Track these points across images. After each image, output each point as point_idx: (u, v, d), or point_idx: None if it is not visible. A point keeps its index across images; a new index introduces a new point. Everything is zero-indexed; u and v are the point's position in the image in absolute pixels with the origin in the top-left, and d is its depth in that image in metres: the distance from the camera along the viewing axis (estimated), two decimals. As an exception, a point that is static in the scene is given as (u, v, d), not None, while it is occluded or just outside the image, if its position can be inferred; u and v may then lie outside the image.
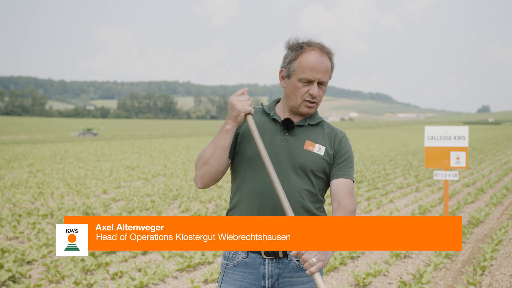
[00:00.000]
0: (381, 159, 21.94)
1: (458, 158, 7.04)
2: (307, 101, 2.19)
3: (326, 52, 2.20)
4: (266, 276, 2.19)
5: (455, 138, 7.06)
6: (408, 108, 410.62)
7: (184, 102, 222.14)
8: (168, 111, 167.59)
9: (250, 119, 2.12)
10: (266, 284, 2.19)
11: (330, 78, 2.25)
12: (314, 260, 1.94)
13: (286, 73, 2.23)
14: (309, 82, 2.17)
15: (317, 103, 2.22)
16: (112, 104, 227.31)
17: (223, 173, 2.22)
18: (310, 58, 2.16)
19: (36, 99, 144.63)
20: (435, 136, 7.14)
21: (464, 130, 7.08)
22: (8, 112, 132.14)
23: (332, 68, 2.24)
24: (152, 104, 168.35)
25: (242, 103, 2.09)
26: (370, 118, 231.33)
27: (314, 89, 2.17)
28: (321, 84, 2.19)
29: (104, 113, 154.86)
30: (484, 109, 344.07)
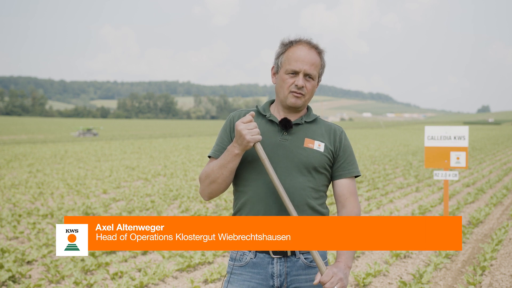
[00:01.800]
0: (381, 159, 21.94)
1: (458, 158, 7.04)
2: (293, 92, 2.20)
3: (314, 47, 2.22)
4: (274, 275, 2.21)
5: (455, 138, 7.06)
6: (408, 108, 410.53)
7: (184, 102, 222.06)
8: (168, 111, 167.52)
9: (259, 147, 2.13)
10: (275, 283, 2.21)
11: (320, 74, 2.26)
12: None
13: (276, 69, 2.27)
14: (295, 73, 2.19)
15: (304, 95, 2.22)
16: (112, 104, 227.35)
17: (228, 186, 2.26)
18: (297, 51, 2.20)
19: (36, 99, 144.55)
20: (435, 136, 7.14)
21: (464, 130, 7.08)
22: (8, 112, 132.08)
23: (322, 65, 2.26)
24: (152, 104, 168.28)
25: (251, 133, 2.09)
26: (370, 118, 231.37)
27: (299, 80, 2.18)
28: (308, 76, 2.20)
29: (104, 113, 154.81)
30: (484, 109, 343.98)
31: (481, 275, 5.60)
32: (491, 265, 6.02)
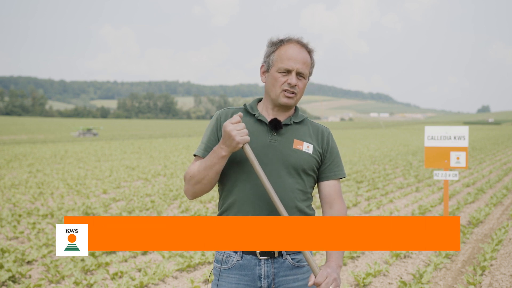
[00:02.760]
0: (381, 159, 21.94)
1: (458, 158, 7.04)
2: (286, 90, 2.19)
3: (305, 46, 2.22)
4: (262, 276, 2.19)
5: (455, 138, 7.06)
6: (408, 108, 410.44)
7: (184, 102, 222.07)
8: (168, 111, 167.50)
9: (247, 148, 2.09)
10: (263, 285, 2.19)
11: (310, 74, 2.26)
12: None
13: (266, 67, 2.25)
14: (288, 72, 2.18)
15: (296, 94, 2.20)
16: (112, 104, 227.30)
17: (213, 187, 2.24)
18: (288, 49, 2.19)
19: (36, 99, 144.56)
20: (435, 136, 7.14)
21: (464, 130, 7.07)
22: (8, 112, 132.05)
23: (312, 64, 2.25)
24: (152, 104, 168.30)
25: (240, 134, 2.05)
26: (371, 118, 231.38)
27: (292, 78, 2.17)
28: (300, 75, 2.20)
29: (104, 113, 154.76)
30: (484, 109, 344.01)
31: (481, 275, 5.59)
32: (491, 265, 6.02)
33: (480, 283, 5.30)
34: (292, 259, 2.21)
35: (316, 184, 2.34)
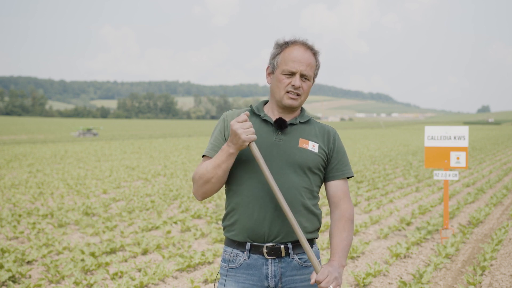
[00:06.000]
0: (381, 159, 21.94)
1: (458, 158, 7.04)
2: (290, 92, 2.20)
3: (310, 48, 2.23)
4: (269, 276, 2.20)
5: (455, 138, 7.06)
6: (408, 108, 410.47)
7: (184, 102, 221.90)
8: (168, 111, 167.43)
9: (254, 146, 2.12)
10: (270, 284, 2.21)
11: (315, 75, 2.27)
12: (331, 287, 2.03)
13: (271, 69, 2.27)
14: (292, 74, 2.19)
15: (300, 96, 2.22)
16: (112, 104, 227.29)
17: (222, 186, 2.25)
18: (293, 51, 2.21)
19: (36, 99, 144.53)
20: (435, 136, 7.14)
21: (464, 130, 7.07)
22: (8, 112, 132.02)
23: (317, 66, 2.26)
24: (152, 104, 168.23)
25: (246, 132, 2.08)
26: (370, 118, 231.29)
27: (296, 80, 2.19)
28: (304, 77, 2.21)
29: (104, 113, 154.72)
30: (484, 109, 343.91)
31: (481, 275, 5.59)
32: (491, 265, 6.02)
33: (480, 283, 5.30)
34: (299, 258, 2.22)
35: (324, 184, 2.35)
